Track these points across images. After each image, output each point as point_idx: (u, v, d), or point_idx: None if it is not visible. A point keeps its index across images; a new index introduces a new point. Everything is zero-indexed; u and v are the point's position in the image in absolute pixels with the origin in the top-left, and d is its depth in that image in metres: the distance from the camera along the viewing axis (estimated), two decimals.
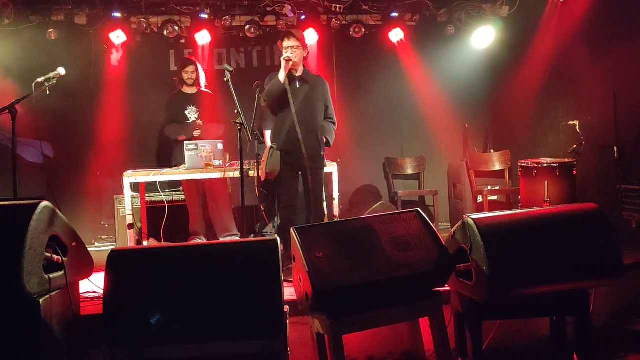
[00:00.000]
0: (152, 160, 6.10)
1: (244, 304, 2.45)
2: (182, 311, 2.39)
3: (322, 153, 4.46)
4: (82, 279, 2.93)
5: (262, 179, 4.30)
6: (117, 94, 6.17)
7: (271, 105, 4.35)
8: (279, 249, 2.56)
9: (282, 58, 4.26)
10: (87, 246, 5.85)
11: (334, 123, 4.58)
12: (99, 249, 6.04)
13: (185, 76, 5.37)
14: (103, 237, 6.23)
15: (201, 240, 5.46)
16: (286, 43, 4.29)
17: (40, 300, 2.45)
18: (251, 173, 4.53)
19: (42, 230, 2.47)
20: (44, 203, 2.52)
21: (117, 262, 2.45)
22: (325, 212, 4.55)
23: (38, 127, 3.98)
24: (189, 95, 5.42)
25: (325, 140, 4.46)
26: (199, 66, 5.45)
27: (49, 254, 2.56)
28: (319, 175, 4.45)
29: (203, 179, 5.06)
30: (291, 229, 2.91)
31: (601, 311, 3.29)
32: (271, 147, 4.28)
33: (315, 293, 2.67)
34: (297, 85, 4.35)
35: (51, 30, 5.84)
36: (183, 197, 5.75)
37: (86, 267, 2.89)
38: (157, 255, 2.52)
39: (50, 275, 2.53)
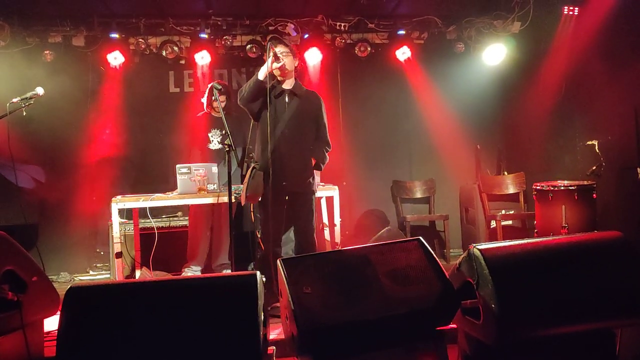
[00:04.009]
0: (150, 185, 5.87)
1: (218, 347, 2.16)
2: (145, 358, 2.10)
3: (311, 177, 4.05)
4: (45, 317, 2.66)
5: (242, 203, 3.92)
6: (114, 116, 6.01)
7: (249, 105, 3.92)
8: (258, 284, 2.27)
9: (269, 57, 3.82)
10: (81, 275, 5.83)
11: (326, 144, 4.15)
12: (94, 278, 5.81)
13: (215, 104, 5.08)
14: (98, 265, 5.99)
15: (196, 269, 5.19)
16: (277, 50, 3.90)
17: None
18: None
19: None
20: None
21: (75, 299, 2.18)
22: (317, 243, 4.15)
23: (12, 150, 3.74)
24: (215, 118, 5.19)
25: (314, 162, 4.07)
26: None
27: (3, 291, 2.30)
28: (308, 201, 4.04)
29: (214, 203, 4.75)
30: (278, 261, 2.62)
31: (629, 353, 2.93)
32: (253, 167, 3.88)
33: (301, 333, 2.37)
34: (287, 100, 3.94)
35: (47, 52, 5.71)
36: (180, 223, 5.51)
37: (50, 303, 2.62)
38: (120, 292, 2.24)
39: (2, 315, 2.26)
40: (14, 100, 3.73)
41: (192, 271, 5.11)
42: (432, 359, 2.58)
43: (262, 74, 3.83)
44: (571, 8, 5.47)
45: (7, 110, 3.69)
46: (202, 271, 5.13)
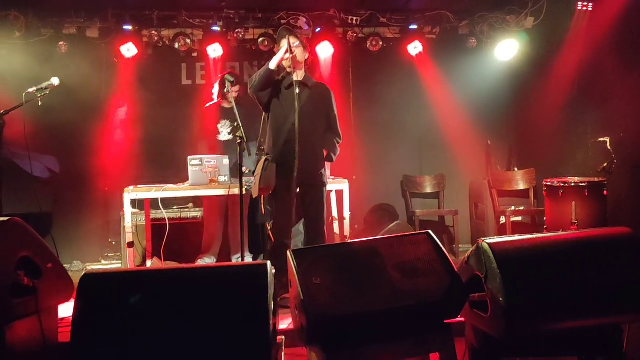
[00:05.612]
0: (162, 176, 5.92)
1: (227, 336, 2.19)
2: (157, 344, 2.14)
3: (323, 169, 4.05)
4: (60, 304, 2.71)
5: (255, 195, 3.95)
6: (127, 107, 6.06)
7: (258, 94, 3.94)
8: (269, 274, 2.30)
9: (280, 47, 3.86)
10: (93, 264, 5.91)
11: (337, 135, 4.14)
12: (106, 267, 5.89)
13: (228, 95, 5.03)
14: (110, 254, 6.06)
15: (210, 260, 5.24)
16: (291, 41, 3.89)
17: (5, 328, 2.23)
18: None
19: (8, 250, 2.26)
20: (11, 220, 2.32)
21: (90, 286, 2.22)
22: (326, 235, 4.16)
23: (28, 139, 3.81)
24: (224, 109, 5.22)
25: (326, 154, 4.07)
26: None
27: (19, 277, 2.35)
28: (319, 193, 4.03)
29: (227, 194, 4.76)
30: (287, 252, 2.65)
31: (636, 348, 2.93)
32: (266, 159, 3.90)
33: (310, 324, 2.40)
34: (297, 91, 3.90)
35: (62, 43, 5.76)
36: (191, 215, 5.56)
37: (64, 290, 2.67)
38: (134, 279, 2.28)
39: (18, 301, 2.31)
40: (30, 90, 3.78)
41: (205, 262, 5.16)
42: (439, 352, 2.61)
43: (273, 63, 3.85)
44: (585, 4, 5.43)
45: (23, 100, 3.74)
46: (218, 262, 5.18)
